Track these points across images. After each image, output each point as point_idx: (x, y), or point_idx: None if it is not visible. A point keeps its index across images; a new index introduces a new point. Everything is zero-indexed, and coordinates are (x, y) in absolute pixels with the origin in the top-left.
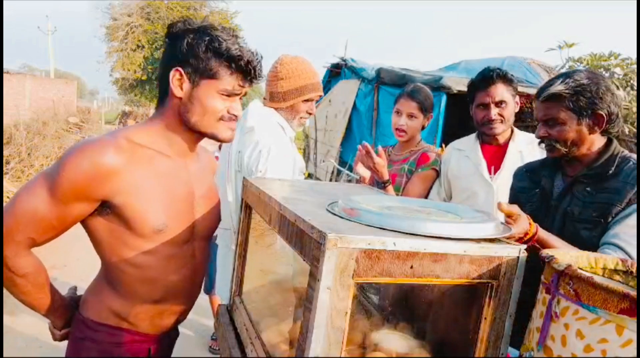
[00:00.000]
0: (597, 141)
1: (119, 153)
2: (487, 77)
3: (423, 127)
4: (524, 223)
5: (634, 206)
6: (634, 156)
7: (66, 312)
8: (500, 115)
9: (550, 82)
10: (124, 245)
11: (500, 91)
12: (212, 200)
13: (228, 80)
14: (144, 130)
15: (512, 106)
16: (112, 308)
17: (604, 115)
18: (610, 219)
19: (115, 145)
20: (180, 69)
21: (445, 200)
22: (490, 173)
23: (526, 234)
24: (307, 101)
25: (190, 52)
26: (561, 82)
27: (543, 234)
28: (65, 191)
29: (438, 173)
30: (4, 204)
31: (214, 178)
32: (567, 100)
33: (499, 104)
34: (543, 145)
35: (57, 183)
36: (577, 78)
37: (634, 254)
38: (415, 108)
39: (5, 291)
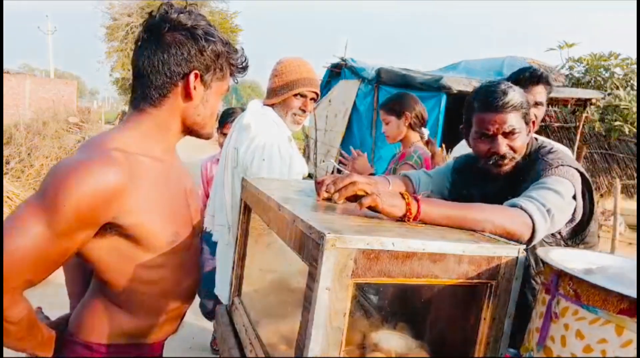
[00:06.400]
0: None
1: (120, 169)
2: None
3: (412, 126)
4: (395, 202)
5: (547, 178)
6: (546, 148)
7: (53, 342)
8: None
9: (503, 94)
10: (135, 264)
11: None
12: (196, 192)
13: (228, 80)
14: (131, 135)
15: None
16: (124, 328)
17: (533, 119)
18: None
19: (114, 161)
20: (198, 72)
21: None
22: None
23: (405, 215)
24: (299, 96)
25: (212, 59)
26: (514, 91)
27: (431, 214)
28: (69, 221)
29: (414, 168)
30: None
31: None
32: (523, 109)
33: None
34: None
35: (58, 214)
36: (514, 88)
37: (531, 209)
38: (385, 114)
39: None
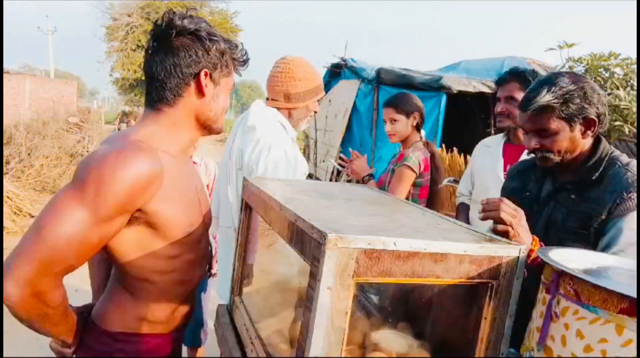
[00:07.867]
0: (586, 142)
1: (153, 158)
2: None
3: (417, 127)
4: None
5: (618, 223)
6: (623, 157)
7: (78, 328)
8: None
9: (535, 92)
10: (153, 254)
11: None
12: (205, 190)
13: (233, 76)
14: (151, 131)
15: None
16: (140, 317)
17: (595, 118)
18: (592, 231)
19: (146, 150)
20: (208, 70)
21: (471, 192)
22: (505, 171)
23: (529, 254)
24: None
25: (217, 57)
26: (547, 91)
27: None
28: (110, 207)
29: (413, 170)
30: None
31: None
32: (557, 109)
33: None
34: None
35: (100, 200)
36: (562, 85)
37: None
38: (393, 112)
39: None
